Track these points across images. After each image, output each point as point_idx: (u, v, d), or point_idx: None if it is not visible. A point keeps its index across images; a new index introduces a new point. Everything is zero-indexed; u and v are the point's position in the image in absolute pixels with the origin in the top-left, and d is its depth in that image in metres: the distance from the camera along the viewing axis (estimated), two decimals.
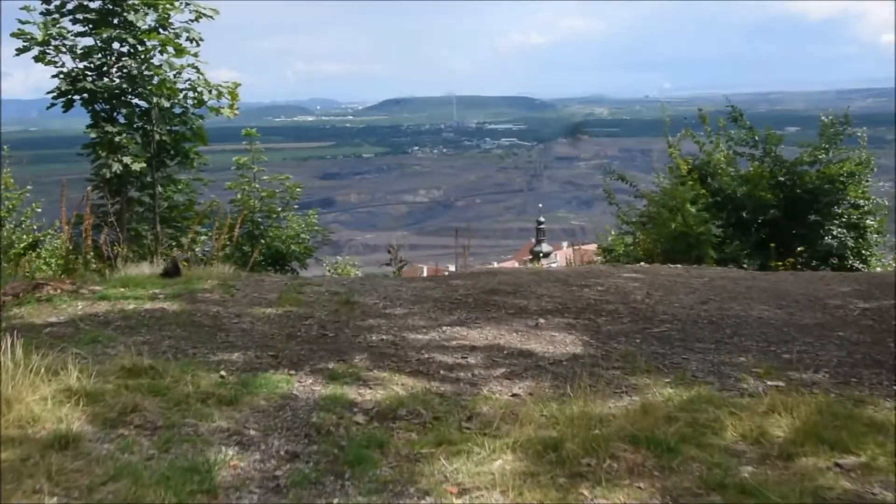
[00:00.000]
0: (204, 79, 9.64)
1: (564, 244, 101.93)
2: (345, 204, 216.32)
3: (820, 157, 11.85)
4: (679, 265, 8.85)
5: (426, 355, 4.75)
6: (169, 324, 5.30)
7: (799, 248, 11.69)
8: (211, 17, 9.44)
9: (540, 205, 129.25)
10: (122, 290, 6.29)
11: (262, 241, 11.13)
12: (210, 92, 9.67)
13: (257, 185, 11.58)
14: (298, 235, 11.73)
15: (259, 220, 11.36)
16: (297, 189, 11.92)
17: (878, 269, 11.89)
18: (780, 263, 10.23)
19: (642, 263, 8.95)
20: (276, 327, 5.31)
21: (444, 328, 5.41)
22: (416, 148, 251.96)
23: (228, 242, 10.01)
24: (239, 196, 11.39)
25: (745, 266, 10.67)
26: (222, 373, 4.25)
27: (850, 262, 11.70)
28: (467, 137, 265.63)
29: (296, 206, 12.02)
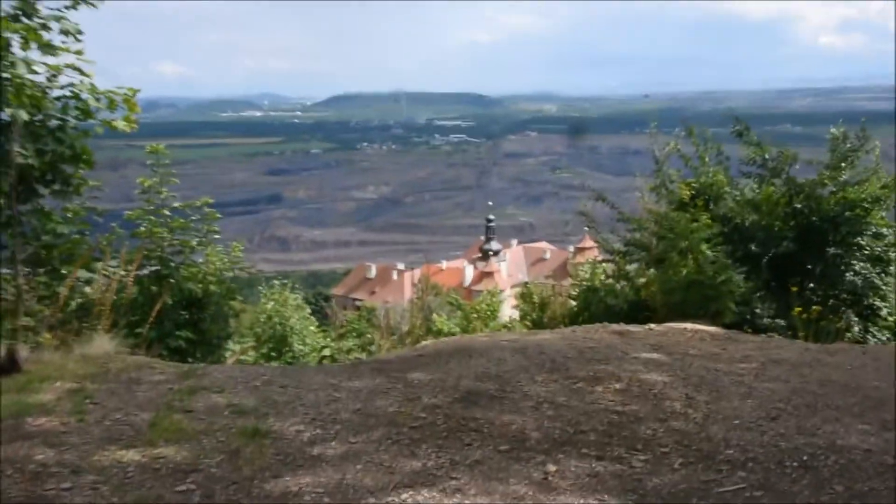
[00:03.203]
0: (91, 83, 7.44)
1: (514, 241, 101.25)
2: (293, 200, 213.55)
3: (839, 178, 10.08)
4: (700, 327, 6.98)
5: None
6: None
7: (813, 285, 9.98)
8: (94, 4, 7.29)
9: (489, 202, 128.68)
10: None
11: (172, 280, 9.00)
12: (98, 100, 7.48)
13: (167, 213, 9.38)
14: (220, 273, 9.59)
15: (169, 256, 9.19)
16: (217, 217, 9.72)
17: None
18: (805, 312, 8.42)
19: (651, 326, 7.04)
20: (130, 501, 3.25)
21: (404, 494, 3.40)
22: (365, 144, 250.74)
23: (123, 288, 7.94)
24: (143, 228, 9.17)
25: (754, 308, 8.87)
26: None
27: (871, 300, 9.98)
28: (416, 134, 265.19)
29: (216, 237, 9.83)
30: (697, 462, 3.82)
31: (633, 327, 6.97)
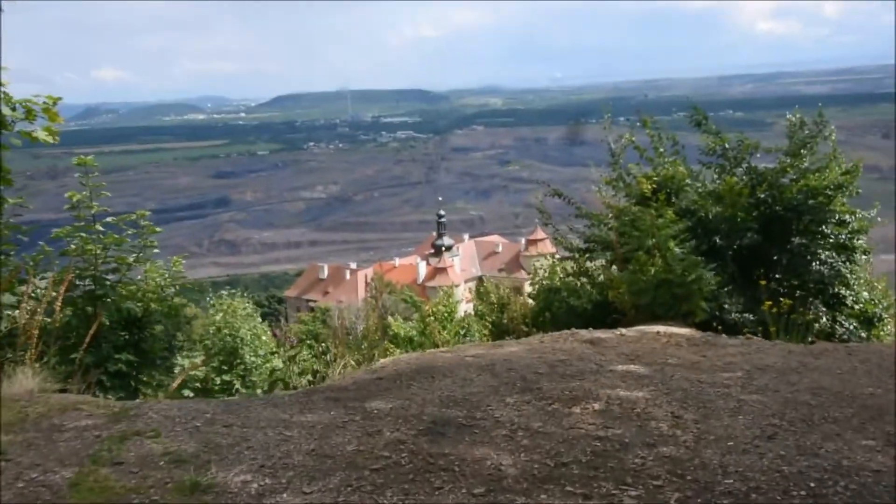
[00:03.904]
0: (4, 92, 6.80)
1: (465, 236, 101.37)
2: (240, 203, 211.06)
3: (800, 165, 9.81)
4: (673, 330, 6.62)
5: None
6: None
7: (779, 276, 9.71)
8: None
9: (439, 197, 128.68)
10: None
11: (109, 300, 8.38)
12: (14, 110, 6.84)
13: (100, 228, 8.72)
14: (161, 289, 8.97)
15: (103, 274, 8.54)
16: (155, 231, 9.08)
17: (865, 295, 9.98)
18: (774, 306, 8.11)
19: (622, 331, 6.66)
20: None
21: None
22: (312, 143, 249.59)
23: (52, 311, 7.35)
24: (73, 246, 8.51)
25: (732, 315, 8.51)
26: None
27: (836, 288, 9.73)
28: (363, 131, 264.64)
29: (155, 251, 9.20)
30: (696, 495, 3.41)
31: (603, 333, 6.57)
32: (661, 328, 6.80)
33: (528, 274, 12.07)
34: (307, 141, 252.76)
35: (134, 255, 8.88)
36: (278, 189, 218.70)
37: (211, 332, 15.35)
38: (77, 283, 8.39)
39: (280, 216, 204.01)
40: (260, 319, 16.95)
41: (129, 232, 8.95)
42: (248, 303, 16.77)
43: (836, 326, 9.37)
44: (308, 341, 15.58)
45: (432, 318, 13.26)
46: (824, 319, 9.38)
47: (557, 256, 12.02)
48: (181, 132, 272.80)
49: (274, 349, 13.60)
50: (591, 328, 7.15)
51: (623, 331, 6.68)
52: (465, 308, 19.76)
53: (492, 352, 5.99)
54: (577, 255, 10.58)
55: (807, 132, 10.25)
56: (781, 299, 8.41)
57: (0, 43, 6.69)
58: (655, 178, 9.71)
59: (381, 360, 6.38)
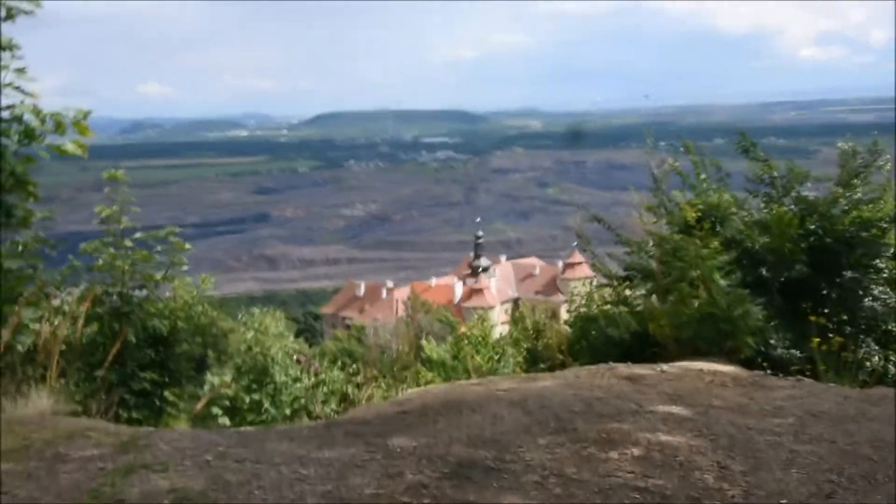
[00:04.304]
0: (34, 104, 6.66)
1: (503, 257, 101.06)
2: (280, 219, 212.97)
3: (852, 196, 9.41)
4: (718, 367, 6.26)
5: None
6: None
7: (828, 311, 9.27)
8: (31, 12, 6.54)
9: (478, 218, 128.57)
10: None
11: (134, 317, 8.20)
12: (43, 122, 6.70)
13: (129, 244, 8.57)
14: (190, 307, 8.79)
15: (130, 291, 8.38)
16: (184, 248, 8.91)
17: None
18: (823, 343, 7.71)
19: (663, 367, 6.31)
20: None
21: None
22: (352, 162, 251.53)
23: (72, 327, 7.21)
24: (101, 262, 8.36)
25: (783, 354, 8.10)
26: None
27: (890, 325, 9.28)
28: (403, 151, 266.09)
29: (184, 268, 9.02)
30: None
31: (642, 369, 6.23)
32: (703, 365, 6.45)
33: (565, 297, 11.86)
34: (347, 159, 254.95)
35: (162, 271, 8.72)
36: (318, 206, 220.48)
37: (242, 349, 15.18)
38: (104, 299, 8.25)
39: (319, 233, 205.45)
40: (292, 338, 16.74)
41: (158, 248, 8.78)
42: (279, 322, 16.58)
43: (890, 366, 8.94)
44: (341, 359, 15.35)
45: (466, 341, 12.99)
46: (876, 358, 8.95)
47: (595, 283, 11.71)
48: (224, 148, 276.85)
49: (297, 377, 13.45)
50: (628, 360, 6.85)
51: (664, 367, 6.34)
52: (500, 330, 19.45)
53: (524, 385, 5.69)
54: (615, 283, 10.27)
55: (860, 161, 9.85)
56: (831, 335, 8.02)
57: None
58: (700, 206, 9.35)
59: (409, 392, 6.13)
